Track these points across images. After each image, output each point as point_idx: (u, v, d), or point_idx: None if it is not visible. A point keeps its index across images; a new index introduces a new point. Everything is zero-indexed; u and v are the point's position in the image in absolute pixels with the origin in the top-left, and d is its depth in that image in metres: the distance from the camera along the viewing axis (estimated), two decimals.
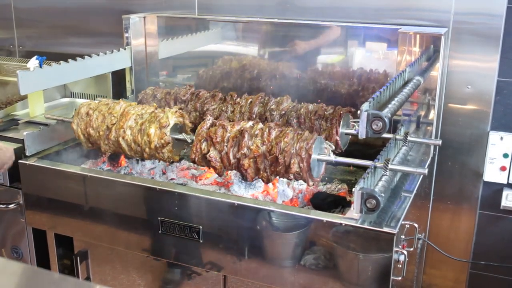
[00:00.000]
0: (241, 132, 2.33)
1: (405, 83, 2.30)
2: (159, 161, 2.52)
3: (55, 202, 2.61)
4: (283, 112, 2.64)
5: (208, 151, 2.36)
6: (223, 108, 2.75)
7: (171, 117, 2.47)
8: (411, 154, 2.58)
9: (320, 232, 2.10)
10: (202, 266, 2.36)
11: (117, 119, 2.54)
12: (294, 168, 2.22)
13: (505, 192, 2.87)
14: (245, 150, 2.29)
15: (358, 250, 2.05)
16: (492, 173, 2.86)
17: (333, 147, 2.34)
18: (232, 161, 2.33)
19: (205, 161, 2.38)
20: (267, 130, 2.31)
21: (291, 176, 2.25)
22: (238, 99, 2.77)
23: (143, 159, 2.60)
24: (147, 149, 2.47)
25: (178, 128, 2.50)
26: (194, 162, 2.42)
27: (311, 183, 2.25)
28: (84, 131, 2.61)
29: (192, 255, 2.34)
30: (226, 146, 2.33)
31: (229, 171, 2.53)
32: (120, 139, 2.52)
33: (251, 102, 2.72)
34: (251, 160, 2.29)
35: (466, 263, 3.04)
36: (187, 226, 2.29)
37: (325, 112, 2.54)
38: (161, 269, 2.57)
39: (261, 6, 3.10)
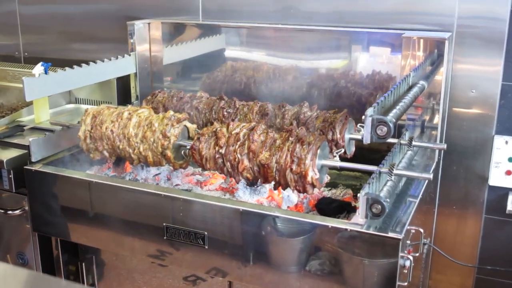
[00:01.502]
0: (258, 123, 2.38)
1: (410, 88, 2.30)
2: (164, 160, 2.50)
3: (61, 208, 2.61)
4: (295, 110, 2.65)
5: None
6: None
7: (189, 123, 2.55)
8: (416, 159, 2.58)
9: (325, 238, 2.10)
10: (207, 272, 2.36)
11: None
12: (306, 141, 2.20)
13: (511, 196, 2.86)
14: (259, 132, 2.31)
15: (363, 255, 2.05)
16: (497, 177, 2.85)
17: (342, 150, 2.33)
18: (241, 138, 2.32)
19: (209, 142, 2.38)
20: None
21: (294, 168, 2.21)
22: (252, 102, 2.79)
23: (145, 163, 2.59)
24: (156, 124, 2.49)
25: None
26: (195, 147, 2.41)
27: (310, 172, 2.19)
28: (95, 113, 2.63)
29: (197, 261, 2.34)
30: (240, 128, 2.36)
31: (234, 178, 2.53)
32: (134, 115, 2.55)
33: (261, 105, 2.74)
34: (261, 135, 2.30)
35: (472, 268, 3.03)
36: (192, 232, 2.30)
37: (330, 118, 2.55)
38: (166, 275, 2.57)
39: (265, 12, 3.10)
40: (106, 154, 2.65)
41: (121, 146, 2.57)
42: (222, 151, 2.34)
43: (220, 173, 2.42)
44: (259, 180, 2.33)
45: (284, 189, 2.31)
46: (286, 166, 2.23)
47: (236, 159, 2.31)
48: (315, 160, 2.19)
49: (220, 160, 2.36)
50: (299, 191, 2.26)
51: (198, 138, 2.40)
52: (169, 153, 2.47)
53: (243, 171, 2.31)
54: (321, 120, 2.52)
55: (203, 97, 2.89)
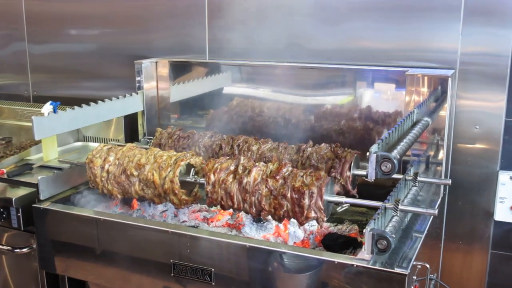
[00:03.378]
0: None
1: (414, 124, 2.33)
2: (168, 167, 2.54)
3: (68, 245, 2.63)
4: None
5: None
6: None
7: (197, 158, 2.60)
8: (421, 194, 2.59)
9: (331, 273, 2.10)
10: None
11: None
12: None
13: None
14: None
15: None
16: (502, 213, 2.86)
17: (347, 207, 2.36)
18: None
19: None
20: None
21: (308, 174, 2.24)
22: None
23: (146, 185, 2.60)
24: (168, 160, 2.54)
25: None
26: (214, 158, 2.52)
27: (322, 174, 2.25)
28: (111, 150, 2.67)
29: None
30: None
31: (239, 212, 2.55)
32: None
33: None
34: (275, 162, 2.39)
35: None
36: (199, 268, 2.30)
37: (336, 156, 2.56)
38: None
39: (271, 50, 3.15)
40: (109, 162, 2.64)
41: (131, 154, 2.61)
42: (242, 160, 2.43)
43: (219, 188, 2.42)
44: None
45: (279, 218, 2.32)
46: (298, 170, 2.31)
47: (251, 162, 2.39)
48: (327, 180, 2.25)
49: (232, 167, 2.41)
50: (298, 201, 2.26)
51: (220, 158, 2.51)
52: (182, 163, 2.50)
53: (254, 168, 2.35)
54: (328, 158, 2.56)
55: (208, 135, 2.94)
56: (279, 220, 2.32)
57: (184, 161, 2.50)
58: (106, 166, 2.63)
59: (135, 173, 2.56)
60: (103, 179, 2.64)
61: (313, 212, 2.23)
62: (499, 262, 2.95)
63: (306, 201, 2.23)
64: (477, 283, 3.00)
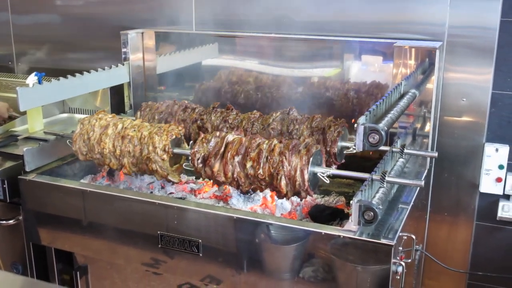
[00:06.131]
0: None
1: (401, 96, 2.33)
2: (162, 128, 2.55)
3: (55, 217, 2.62)
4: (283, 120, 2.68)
5: None
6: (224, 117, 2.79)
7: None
8: (408, 166, 2.60)
9: (318, 245, 2.12)
10: (201, 279, 2.37)
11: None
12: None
13: (501, 203, 2.89)
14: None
15: (356, 262, 2.07)
16: (488, 185, 2.88)
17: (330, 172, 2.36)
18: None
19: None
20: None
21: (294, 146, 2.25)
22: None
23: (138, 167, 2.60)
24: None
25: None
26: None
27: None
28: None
29: (192, 269, 2.36)
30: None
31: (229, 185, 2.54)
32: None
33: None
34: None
35: (464, 274, 3.05)
36: (187, 240, 2.31)
37: (323, 127, 2.56)
38: (160, 283, 2.58)
39: (258, 21, 3.13)
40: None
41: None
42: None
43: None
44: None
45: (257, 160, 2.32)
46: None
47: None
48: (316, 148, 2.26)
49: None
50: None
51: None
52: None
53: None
54: (315, 127, 2.56)
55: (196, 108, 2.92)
56: (258, 185, 2.32)
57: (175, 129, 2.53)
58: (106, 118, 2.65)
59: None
60: (92, 121, 2.64)
61: (302, 137, 2.24)
62: (483, 234, 2.98)
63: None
64: (461, 254, 3.03)
